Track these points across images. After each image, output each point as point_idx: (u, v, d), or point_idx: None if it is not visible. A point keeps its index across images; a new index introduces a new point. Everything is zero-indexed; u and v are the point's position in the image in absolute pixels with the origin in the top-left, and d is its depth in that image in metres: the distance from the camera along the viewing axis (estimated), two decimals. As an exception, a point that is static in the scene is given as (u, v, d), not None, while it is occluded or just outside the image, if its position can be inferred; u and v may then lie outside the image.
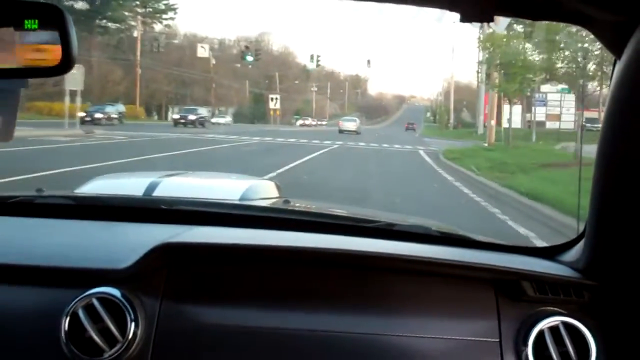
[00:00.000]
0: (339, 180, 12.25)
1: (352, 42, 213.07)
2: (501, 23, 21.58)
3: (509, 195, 10.66)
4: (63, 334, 1.21)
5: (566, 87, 29.59)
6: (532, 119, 30.27)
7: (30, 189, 1.76)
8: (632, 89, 1.05)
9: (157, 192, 1.86)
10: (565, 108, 32.11)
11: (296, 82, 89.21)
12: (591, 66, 21.04)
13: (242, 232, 1.47)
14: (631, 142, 1.07)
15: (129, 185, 2.22)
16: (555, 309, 1.30)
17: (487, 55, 25.41)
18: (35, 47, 1.22)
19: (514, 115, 26.84)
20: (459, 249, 1.45)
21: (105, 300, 1.24)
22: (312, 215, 1.76)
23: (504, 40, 22.74)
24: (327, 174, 13.97)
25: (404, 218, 1.92)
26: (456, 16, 1.18)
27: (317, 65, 61.96)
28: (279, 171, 12.19)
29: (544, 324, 1.25)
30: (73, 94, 24.91)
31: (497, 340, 1.27)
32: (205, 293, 1.30)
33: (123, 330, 1.22)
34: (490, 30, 22.94)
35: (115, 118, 37.22)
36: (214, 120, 49.20)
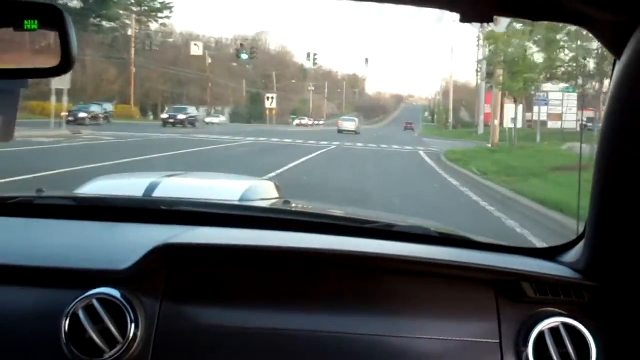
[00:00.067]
0: (335, 187, 10.79)
1: (349, 41, 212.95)
2: (501, 23, 21.28)
3: (524, 204, 9.28)
4: (63, 335, 1.22)
5: (570, 86, 28.95)
6: (537, 118, 29.42)
7: None
8: (632, 89, 1.06)
9: (157, 193, 1.86)
10: (568, 107, 31.56)
11: (293, 81, 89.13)
12: (593, 65, 20.53)
13: (242, 233, 1.47)
14: (631, 142, 1.08)
15: (128, 185, 2.22)
16: (556, 309, 1.30)
17: (488, 52, 24.68)
18: None
19: (510, 115, 25.87)
20: (458, 250, 1.46)
21: (105, 301, 1.24)
22: (312, 216, 1.74)
23: (508, 36, 21.92)
24: (324, 176, 13.23)
25: (404, 219, 1.92)
26: (456, 16, 1.18)
27: (314, 64, 61.20)
28: (270, 175, 11.34)
29: (544, 324, 1.26)
30: (60, 93, 24.15)
31: (498, 341, 1.27)
32: (206, 294, 1.31)
33: (123, 331, 1.23)
34: (490, 28, 22.33)
35: (101, 118, 35.38)
36: (207, 120, 48.32)
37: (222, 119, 55.84)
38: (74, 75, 28.81)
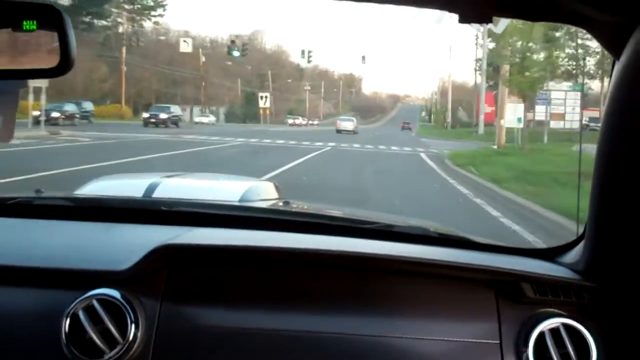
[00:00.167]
0: (333, 195, 9.47)
1: (346, 40, 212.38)
2: (500, 24, 20.89)
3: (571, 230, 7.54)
4: (63, 336, 1.22)
5: (577, 84, 27.73)
6: (545, 118, 28.06)
7: None
8: (631, 89, 1.06)
9: (157, 194, 1.87)
10: (571, 107, 30.30)
11: (289, 80, 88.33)
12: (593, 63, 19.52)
13: (242, 234, 1.47)
14: (630, 143, 1.08)
15: (128, 186, 2.23)
16: (555, 310, 1.30)
17: (494, 47, 23.42)
18: None
19: (517, 114, 24.37)
20: (458, 250, 1.46)
21: (105, 301, 1.25)
22: (312, 217, 1.75)
23: (519, 29, 20.56)
24: (321, 178, 12.48)
25: (404, 219, 1.93)
26: (455, 17, 1.18)
27: (309, 61, 59.87)
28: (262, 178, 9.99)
29: (544, 325, 1.26)
30: (38, 91, 22.87)
31: (498, 342, 1.27)
32: (206, 294, 1.31)
33: (123, 331, 1.23)
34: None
35: (77, 117, 33.32)
36: (197, 119, 47.04)
37: (212, 118, 54.87)
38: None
